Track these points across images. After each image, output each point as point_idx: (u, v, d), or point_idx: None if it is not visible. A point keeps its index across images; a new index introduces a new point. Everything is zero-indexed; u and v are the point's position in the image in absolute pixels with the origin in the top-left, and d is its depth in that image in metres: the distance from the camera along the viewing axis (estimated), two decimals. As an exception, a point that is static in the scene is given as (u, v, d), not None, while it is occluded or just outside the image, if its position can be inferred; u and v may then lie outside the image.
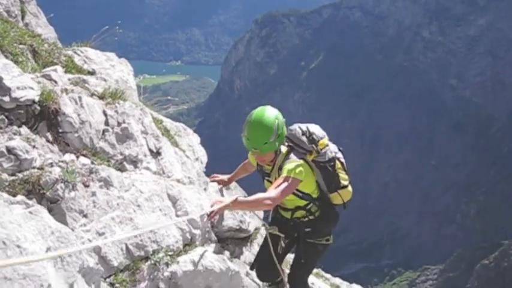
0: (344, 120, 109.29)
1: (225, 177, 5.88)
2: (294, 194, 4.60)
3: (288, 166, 4.47)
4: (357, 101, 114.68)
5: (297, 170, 4.44)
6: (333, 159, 4.75)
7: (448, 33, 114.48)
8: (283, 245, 5.04)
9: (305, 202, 4.80)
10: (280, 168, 4.54)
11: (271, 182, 4.71)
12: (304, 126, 4.75)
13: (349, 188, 4.84)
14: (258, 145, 4.43)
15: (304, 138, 4.69)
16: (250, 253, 5.66)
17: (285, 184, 4.36)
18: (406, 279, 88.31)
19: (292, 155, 4.61)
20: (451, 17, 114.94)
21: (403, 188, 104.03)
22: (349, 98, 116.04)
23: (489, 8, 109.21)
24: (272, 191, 4.30)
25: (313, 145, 4.67)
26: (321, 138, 4.74)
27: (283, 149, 4.71)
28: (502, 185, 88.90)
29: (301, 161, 4.57)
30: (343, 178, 4.79)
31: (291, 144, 4.70)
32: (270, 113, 4.49)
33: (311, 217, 4.87)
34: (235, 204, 4.20)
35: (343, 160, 4.84)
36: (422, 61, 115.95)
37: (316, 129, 4.80)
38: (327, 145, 4.77)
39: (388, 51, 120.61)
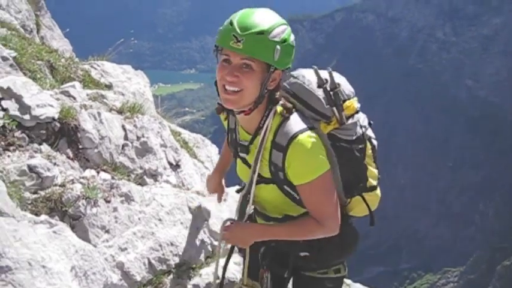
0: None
1: (217, 180, 3.50)
2: (286, 193, 2.78)
3: (306, 157, 2.59)
4: (371, 103, 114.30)
5: (319, 158, 2.61)
6: (363, 139, 2.88)
7: (462, 33, 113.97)
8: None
9: (302, 210, 2.84)
10: (280, 149, 2.61)
11: (249, 166, 2.84)
12: (321, 73, 2.80)
13: (378, 190, 3.02)
14: (246, 33, 2.41)
15: (320, 93, 2.75)
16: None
17: (324, 192, 2.70)
18: (426, 282, 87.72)
19: (294, 119, 2.64)
20: (464, 17, 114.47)
21: (420, 190, 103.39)
22: (363, 100, 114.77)
23: (503, 8, 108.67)
24: (322, 215, 2.72)
25: (335, 107, 2.73)
26: (349, 98, 2.87)
27: (277, 107, 2.67)
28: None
29: (313, 133, 2.62)
30: (373, 174, 2.95)
31: (293, 101, 2.74)
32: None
33: None
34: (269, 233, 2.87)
35: (375, 142, 3.00)
36: (437, 62, 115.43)
37: (342, 80, 2.91)
38: (357, 111, 2.91)
39: (401, 54, 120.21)
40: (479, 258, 76.63)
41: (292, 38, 2.57)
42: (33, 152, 3.49)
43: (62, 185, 3.44)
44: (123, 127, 4.26)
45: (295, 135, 2.60)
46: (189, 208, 4.16)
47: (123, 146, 4.20)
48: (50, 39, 7.77)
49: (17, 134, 3.49)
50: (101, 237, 3.45)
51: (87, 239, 3.29)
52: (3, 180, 2.99)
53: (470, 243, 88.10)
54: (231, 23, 2.46)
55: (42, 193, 3.32)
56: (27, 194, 3.23)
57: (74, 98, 4.17)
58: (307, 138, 2.60)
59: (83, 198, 3.40)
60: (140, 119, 4.45)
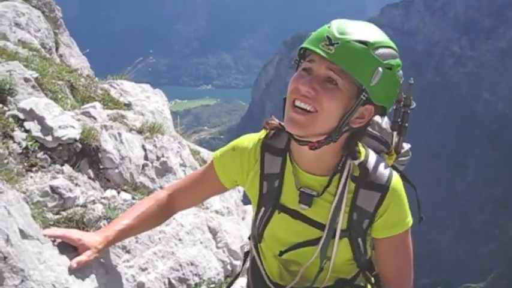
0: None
1: (91, 239, 2.55)
2: (355, 248, 2.22)
3: (403, 203, 2.23)
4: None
5: (408, 206, 2.27)
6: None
7: (478, 47, 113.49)
8: None
9: (355, 270, 2.34)
10: (377, 188, 2.13)
11: (304, 219, 2.18)
12: None
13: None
14: (344, 37, 1.86)
15: (386, 122, 2.46)
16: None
17: (409, 248, 2.40)
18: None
19: (373, 154, 2.20)
20: (480, 31, 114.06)
21: (439, 205, 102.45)
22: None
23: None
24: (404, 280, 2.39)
25: (396, 131, 2.46)
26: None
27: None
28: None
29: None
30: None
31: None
32: None
33: None
34: None
35: None
36: (454, 76, 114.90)
37: None
38: None
39: (418, 68, 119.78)
40: (500, 274, 75.50)
41: (400, 73, 2.05)
42: (55, 172, 3.52)
43: (84, 206, 3.47)
44: (143, 147, 4.30)
45: (391, 174, 2.16)
46: (209, 228, 4.17)
47: (143, 166, 4.23)
48: (68, 56, 7.90)
49: (40, 155, 3.53)
50: (122, 258, 3.46)
51: (108, 260, 3.30)
52: (27, 202, 3.02)
53: (491, 258, 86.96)
54: (330, 26, 1.93)
55: (64, 214, 3.34)
56: (49, 215, 3.25)
57: (95, 119, 4.21)
58: (399, 180, 2.21)
59: (104, 219, 3.42)
60: (160, 138, 4.49)
